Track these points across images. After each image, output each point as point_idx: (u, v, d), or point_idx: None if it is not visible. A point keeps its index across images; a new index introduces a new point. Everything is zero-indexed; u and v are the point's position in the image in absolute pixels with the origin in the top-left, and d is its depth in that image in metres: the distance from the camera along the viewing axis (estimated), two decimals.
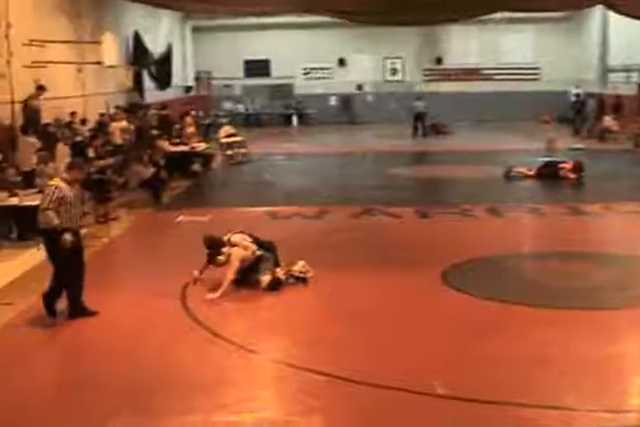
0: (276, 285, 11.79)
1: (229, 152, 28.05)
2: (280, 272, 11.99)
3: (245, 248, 11.94)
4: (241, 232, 12.35)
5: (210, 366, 8.84)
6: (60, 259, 10.41)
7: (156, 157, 21.06)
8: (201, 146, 26.31)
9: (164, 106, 31.09)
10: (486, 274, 12.86)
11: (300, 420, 7.35)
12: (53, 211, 10.24)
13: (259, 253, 12.02)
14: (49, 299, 10.58)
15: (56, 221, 10.23)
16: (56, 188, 10.35)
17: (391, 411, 7.55)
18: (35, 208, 14.52)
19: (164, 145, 23.51)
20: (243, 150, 28.64)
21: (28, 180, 16.20)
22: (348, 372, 8.44)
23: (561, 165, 22.69)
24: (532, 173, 22.72)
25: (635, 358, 9.29)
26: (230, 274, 11.61)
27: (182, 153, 24.70)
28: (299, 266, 12.17)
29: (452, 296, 11.50)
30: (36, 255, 13.86)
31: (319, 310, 11.12)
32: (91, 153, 17.76)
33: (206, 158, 25.98)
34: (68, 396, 8.13)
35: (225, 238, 12.03)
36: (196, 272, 11.72)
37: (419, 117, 37.27)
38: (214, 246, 11.92)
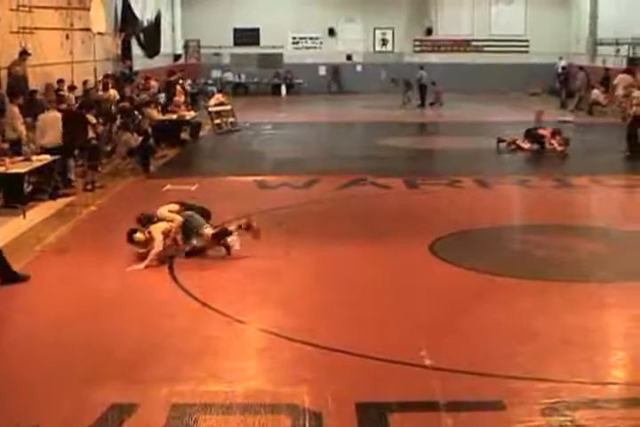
0: (224, 234, 11.72)
1: (218, 121, 27.92)
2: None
3: (171, 220, 11.76)
4: (171, 202, 12.23)
5: (198, 335, 8.81)
6: None
7: (144, 125, 20.96)
8: (189, 114, 26.22)
9: (171, 72, 31.18)
10: (474, 246, 12.90)
11: (290, 390, 7.33)
12: None
13: (183, 216, 11.85)
14: None
15: None
16: None
17: (380, 382, 7.54)
18: (21, 176, 14.64)
19: (153, 113, 23.38)
20: (231, 119, 28.52)
21: (16, 147, 16.13)
22: (337, 343, 8.44)
23: (540, 132, 22.83)
24: (527, 146, 22.74)
25: (619, 330, 9.31)
26: (156, 247, 11.45)
27: (170, 121, 24.62)
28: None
29: (440, 268, 11.51)
30: (21, 223, 13.85)
31: (307, 280, 11.10)
32: (93, 120, 17.75)
33: (194, 127, 25.91)
34: (54, 365, 8.10)
35: (157, 212, 11.94)
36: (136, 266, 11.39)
37: (422, 87, 37.24)
38: (146, 222, 11.82)
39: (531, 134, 23.03)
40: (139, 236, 11.68)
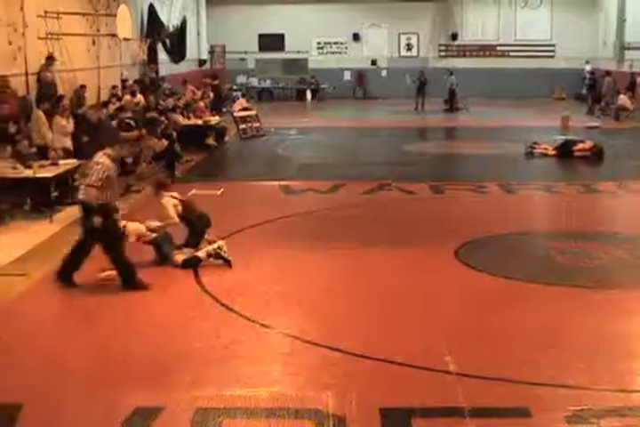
0: (194, 262, 11.58)
1: (243, 126, 27.97)
2: (201, 251, 11.76)
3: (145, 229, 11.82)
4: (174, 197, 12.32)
5: (223, 339, 8.83)
6: (91, 233, 10.56)
7: (169, 130, 21.03)
8: (214, 119, 26.29)
9: (214, 76, 31.50)
10: (499, 251, 12.86)
11: (314, 395, 7.34)
12: (97, 189, 10.32)
13: (155, 238, 11.81)
14: (67, 269, 10.72)
15: (94, 202, 10.34)
16: (104, 166, 10.40)
17: (404, 387, 7.55)
18: (48, 180, 14.71)
19: (178, 118, 23.47)
20: (256, 124, 28.57)
21: (43, 152, 16.24)
22: (361, 348, 8.45)
23: (579, 146, 22.53)
24: (553, 152, 22.56)
25: None
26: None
27: (196, 126, 24.69)
28: (219, 244, 11.76)
29: (465, 273, 11.49)
30: (48, 227, 13.93)
31: (332, 284, 11.09)
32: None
33: (220, 132, 25.97)
34: (79, 368, 8.15)
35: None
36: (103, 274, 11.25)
37: (452, 93, 37.20)
38: None
39: (568, 145, 22.76)
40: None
